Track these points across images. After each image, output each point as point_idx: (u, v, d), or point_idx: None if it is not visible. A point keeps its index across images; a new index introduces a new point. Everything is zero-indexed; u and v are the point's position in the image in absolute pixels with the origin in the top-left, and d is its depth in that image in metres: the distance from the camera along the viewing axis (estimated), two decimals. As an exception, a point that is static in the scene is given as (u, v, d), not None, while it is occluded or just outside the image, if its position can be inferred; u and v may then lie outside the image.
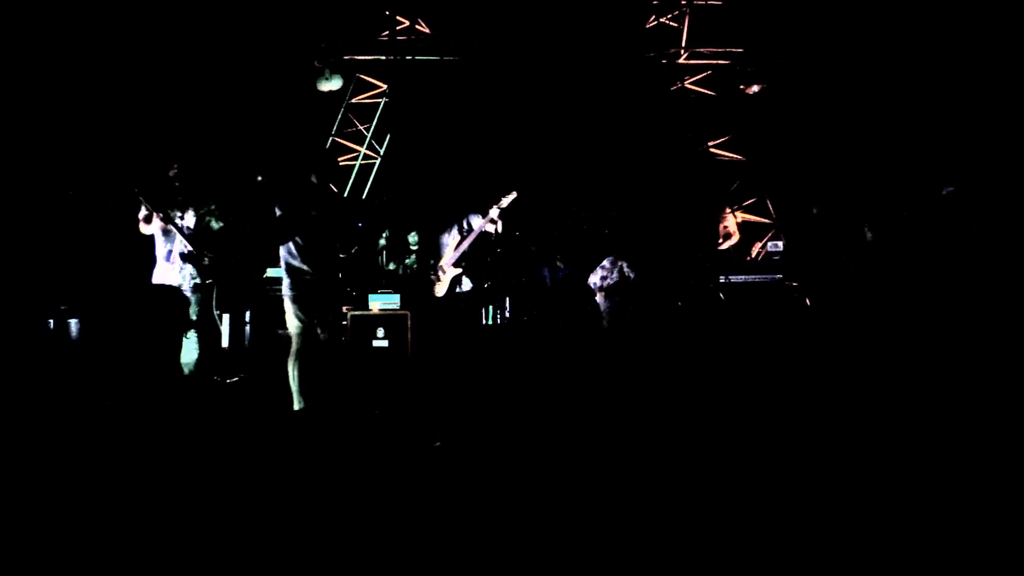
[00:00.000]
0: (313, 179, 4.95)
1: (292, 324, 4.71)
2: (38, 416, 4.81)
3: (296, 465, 3.71)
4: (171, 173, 5.49)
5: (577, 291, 8.42)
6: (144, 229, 5.37)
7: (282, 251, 4.82)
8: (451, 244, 6.67)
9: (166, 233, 5.51)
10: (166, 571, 2.44)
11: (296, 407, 4.65)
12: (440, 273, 6.70)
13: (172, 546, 2.62)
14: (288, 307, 4.72)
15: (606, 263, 8.51)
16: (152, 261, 5.54)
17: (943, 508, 2.90)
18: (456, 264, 6.61)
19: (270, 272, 8.03)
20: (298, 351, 4.66)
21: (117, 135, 8.51)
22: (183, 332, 5.41)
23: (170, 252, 5.49)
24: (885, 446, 3.85)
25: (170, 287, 5.45)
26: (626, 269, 8.28)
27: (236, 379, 6.42)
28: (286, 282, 4.77)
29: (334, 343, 4.82)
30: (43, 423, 4.63)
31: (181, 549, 2.59)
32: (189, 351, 5.44)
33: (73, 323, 6.83)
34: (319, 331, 4.71)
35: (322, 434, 4.42)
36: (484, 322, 7.90)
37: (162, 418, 4.82)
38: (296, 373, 4.64)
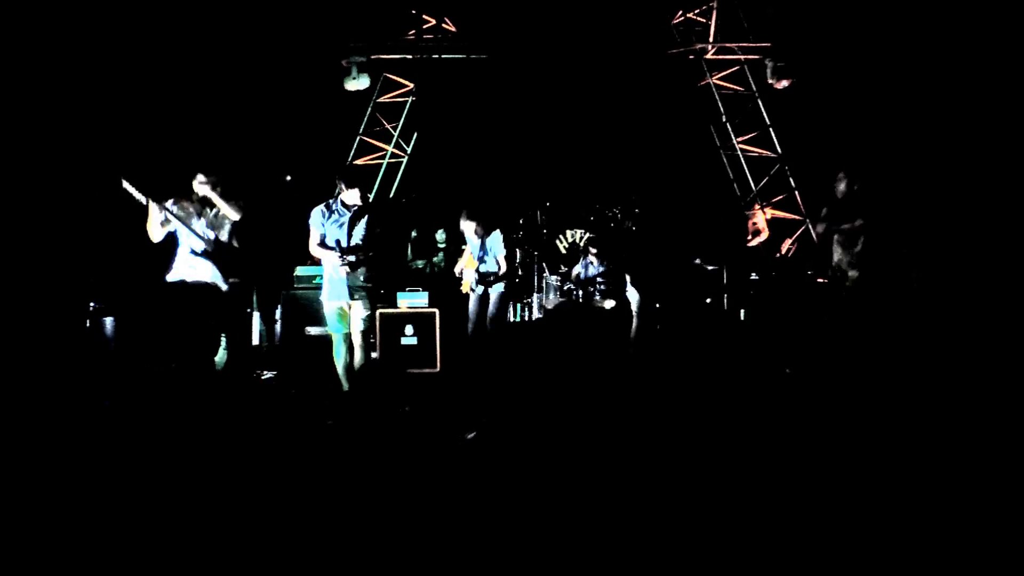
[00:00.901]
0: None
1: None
2: (72, 414, 4.89)
3: (326, 461, 3.74)
4: (202, 179, 5.42)
5: (612, 287, 8.38)
6: (158, 233, 5.27)
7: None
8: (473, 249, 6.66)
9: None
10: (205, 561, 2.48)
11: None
12: (464, 275, 6.70)
13: (209, 537, 2.65)
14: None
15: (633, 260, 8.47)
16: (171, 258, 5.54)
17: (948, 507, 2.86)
18: (481, 279, 6.55)
19: (299, 271, 8.10)
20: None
21: (143, 134, 8.64)
22: (220, 330, 5.50)
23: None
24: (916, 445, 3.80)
25: (203, 284, 5.49)
26: (654, 266, 8.23)
27: (268, 376, 6.50)
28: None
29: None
30: (76, 421, 4.72)
31: (218, 539, 2.63)
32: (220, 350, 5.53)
33: (108, 321, 6.94)
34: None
35: (353, 430, 4.45)
36: (512, 319, 7.90)
37: (194, 415, 4.89)
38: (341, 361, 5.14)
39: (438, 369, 6.89)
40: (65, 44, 7.70)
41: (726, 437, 4.14)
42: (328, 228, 5.07)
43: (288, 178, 11.08)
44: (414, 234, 9.51)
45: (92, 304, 6.80)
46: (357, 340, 5.11)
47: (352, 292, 5.05)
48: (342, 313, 5.12)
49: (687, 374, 6.49)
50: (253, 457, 3.84)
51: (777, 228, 10.09)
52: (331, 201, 5.14)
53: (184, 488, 3.29)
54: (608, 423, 4.57)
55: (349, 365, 5.19)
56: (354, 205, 5.08)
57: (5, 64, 6.89)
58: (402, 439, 4.23)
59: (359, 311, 5.10)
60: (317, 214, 5.10)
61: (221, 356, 5.69)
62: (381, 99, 11.22)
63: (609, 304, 8.12)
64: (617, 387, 5.86)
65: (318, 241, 5.10)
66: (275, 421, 4.85)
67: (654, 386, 5.91)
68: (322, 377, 5.78)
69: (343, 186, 5.10)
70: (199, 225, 5.32)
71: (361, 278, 5.07)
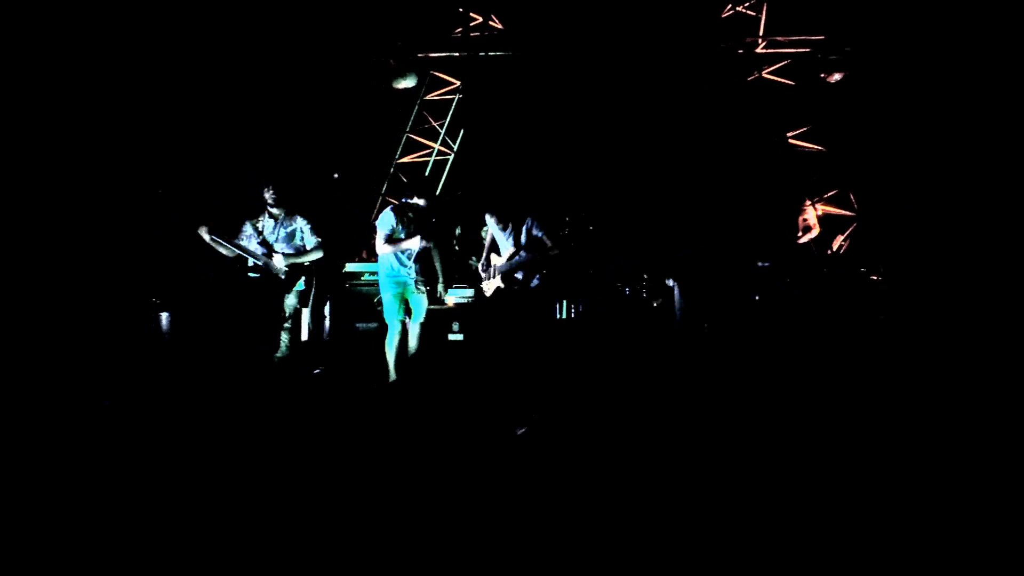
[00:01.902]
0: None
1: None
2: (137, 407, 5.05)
3: (376, 454, 3.80)
4: (268, 194, 5.79)
5: (654, 285, 8.31)
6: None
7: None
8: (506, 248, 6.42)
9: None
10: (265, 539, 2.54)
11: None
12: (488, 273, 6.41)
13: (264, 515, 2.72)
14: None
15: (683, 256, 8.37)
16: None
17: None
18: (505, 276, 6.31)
19: (349, 267, 8.22)
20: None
21: (192, 135, 8.86)
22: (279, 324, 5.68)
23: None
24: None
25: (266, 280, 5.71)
26: (703, 261, 8.13)
27: (317, 371, 6.61)
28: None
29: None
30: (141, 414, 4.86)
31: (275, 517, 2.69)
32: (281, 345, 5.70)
33: (164, 316, 7.14)
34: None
35: (400, 423, 4.51)
36: (559, 316, 7.89)
37: (245, 409, 5.00)
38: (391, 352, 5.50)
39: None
40: (124, 45, 7.93)
41: (753, 437, 4.09)
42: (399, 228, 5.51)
43: (336, 175, 11.25)
44: (459, 231, 9.58)
45: (150, 300, 7.01)
46: (416, 330, 5.47)
47: (417, 284, 5.50)
48: (403, 301, 5.50)
49: (724, 374, 6.40)
50: (283, 452, 3.91)
51: (828, 225, 9.91)
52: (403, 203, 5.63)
53: (226, 481, 3.38)
54: (644, 422, 4.55)
55: (401, 354, 5.40)
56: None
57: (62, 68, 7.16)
58: (454, 433, 4.27)
59: (423, 302, 5.57)
60: (389, 215, 5.53)
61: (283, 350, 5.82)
62: (428, 97, 11.29)
63: (656, 302, 8.06)
64: (652, 386, 5.82)
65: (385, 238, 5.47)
66: (317, 414, 4.93)
67: (687, 385, 5.85)
68: (370, 371, 5.87)
69: (414, 196, 5.59)
70: (251, 243, 5.63)
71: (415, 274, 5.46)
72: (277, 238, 5.85)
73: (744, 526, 2.70)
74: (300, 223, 5.94)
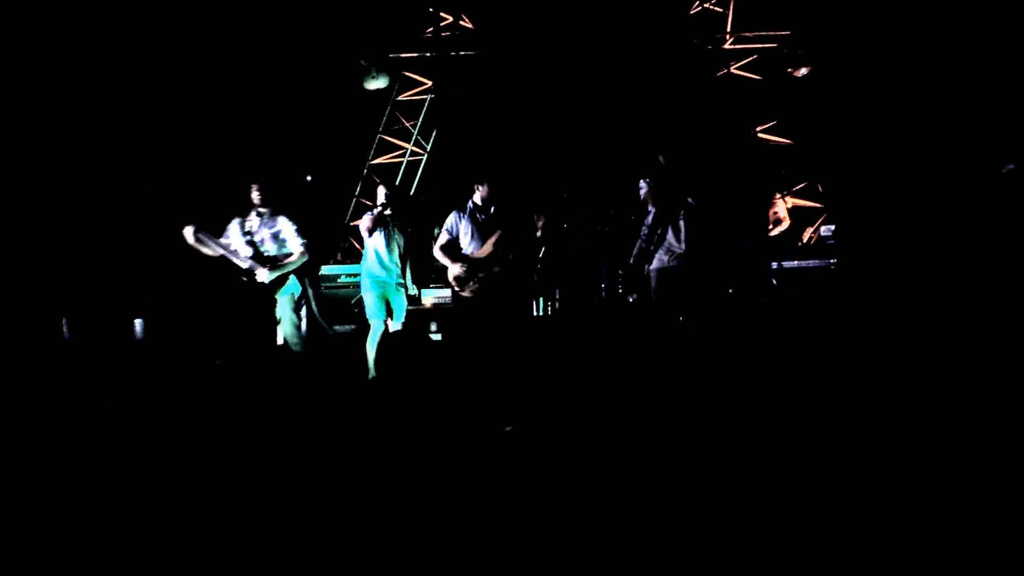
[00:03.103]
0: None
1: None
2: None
3: (360, 455, 3.83)
4: (255, 193, 5.78)
5: (629, 280, 8.37)
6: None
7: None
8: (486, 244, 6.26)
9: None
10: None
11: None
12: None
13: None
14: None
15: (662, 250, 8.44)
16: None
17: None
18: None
19: (324, 270, 8.22)
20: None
21: (165, 136, 8.82)
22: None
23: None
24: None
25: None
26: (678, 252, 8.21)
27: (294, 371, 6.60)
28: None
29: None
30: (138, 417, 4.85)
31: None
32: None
33: (138, 323, 7.09)
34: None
35: (386, 421, 4.54)
36: (536, 313, 7.95)
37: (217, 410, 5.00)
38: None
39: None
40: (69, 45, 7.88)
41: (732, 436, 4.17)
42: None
43: (309, 178, 11.21)
44: (437, 232, 9.60)
45: (126, 306, 6.96)
46: (398, 328, 5.57)
47: (397, 285, 5.78)
48: (385, 301, 5.75)
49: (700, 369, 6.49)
50: (270, 453, 3.93)
51: (798, 217, 10.07)
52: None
53: (215, 486, 3.39)
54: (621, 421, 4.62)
55: (381, 353, 5.50)
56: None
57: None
58: (438, 431, 4.30)
59: (404, 302, 5.83)
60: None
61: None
62: (400, 97, 11.30)
63: (631, 297, 8.12)
64: (630, 383, 5.89)
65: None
66: (301, 414, 4.95)
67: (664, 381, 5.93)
68: (351, 371, 5.90)
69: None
70: (236, 243, 5.61)
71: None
72: (263, 239, 5.81)
73: (726, 522, 2.77)
74: (284, 224, 5.89)
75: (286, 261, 5.72)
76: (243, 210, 5.87)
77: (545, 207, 7.10)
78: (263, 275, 5.58)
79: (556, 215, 7.84)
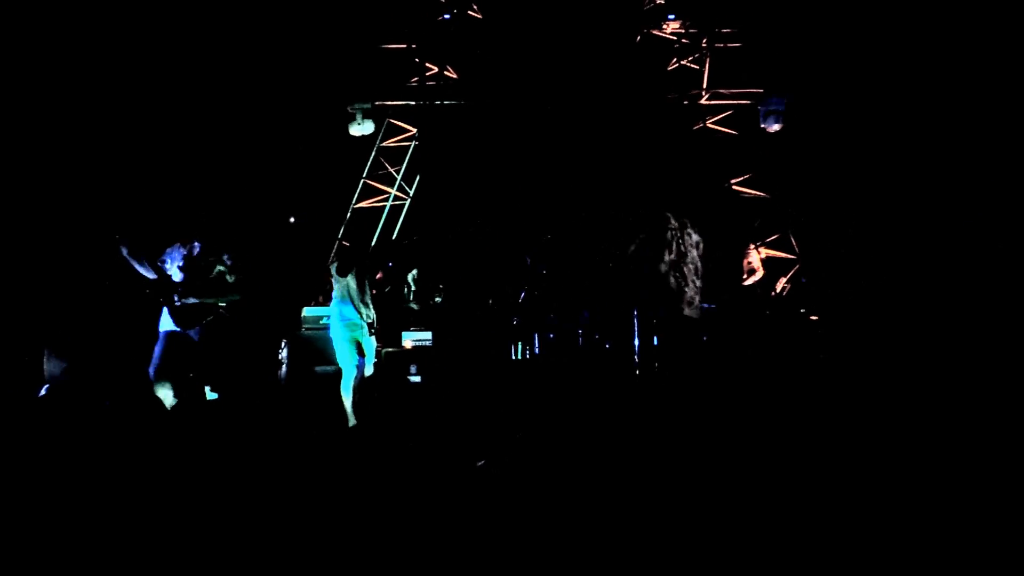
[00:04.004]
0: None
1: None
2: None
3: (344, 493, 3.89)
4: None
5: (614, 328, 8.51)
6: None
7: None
8: None
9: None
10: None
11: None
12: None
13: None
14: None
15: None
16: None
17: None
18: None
19: (306, 312, 8.30)
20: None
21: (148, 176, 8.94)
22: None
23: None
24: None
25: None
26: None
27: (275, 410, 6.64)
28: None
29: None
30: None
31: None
32: None
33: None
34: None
35: (362, 463, 4.60)
36: (514, 357, 8.07)
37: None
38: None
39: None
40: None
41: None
42: None
43: (292, 220, 11.36)
44: (414, 274, 9.74)
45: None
46: (370, 371, 5.54)
47: (368, 328, 5.66)
48: (356, 344, 5.60)
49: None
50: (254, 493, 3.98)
51: (771, 268, 10.33)
52: None
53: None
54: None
55: (358, 397, 5.49)
56: None
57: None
58: (416, 467, 4.38)
59: (374, 343, 5.73)
60: None
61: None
62: (385, 143, 11.53)
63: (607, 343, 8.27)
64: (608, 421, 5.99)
65: None
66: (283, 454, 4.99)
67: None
68: (333, 413, 5.95)
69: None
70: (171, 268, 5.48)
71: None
72: (195, 269, 5.74)
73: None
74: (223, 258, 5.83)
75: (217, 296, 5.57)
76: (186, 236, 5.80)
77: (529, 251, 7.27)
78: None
79: (538, 259, 8.01)
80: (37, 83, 8.16)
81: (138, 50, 9.30)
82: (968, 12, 9.27)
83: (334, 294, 5.87)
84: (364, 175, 11.47)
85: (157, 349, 5.15)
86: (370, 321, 5.66)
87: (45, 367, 6.25)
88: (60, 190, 8.04)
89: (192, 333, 5.26)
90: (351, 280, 5.71)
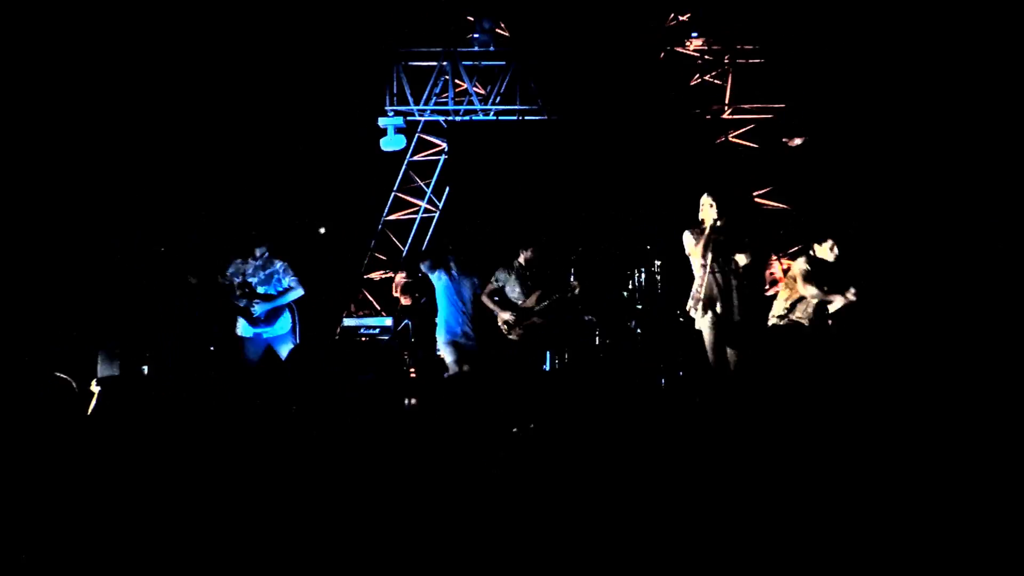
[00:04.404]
0: None
1: None
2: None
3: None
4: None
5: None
6: None
7: None
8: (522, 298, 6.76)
9: None
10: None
11: None
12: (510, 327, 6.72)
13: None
14: None
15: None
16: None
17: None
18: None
19: (347, 322, 8.62)
20: None
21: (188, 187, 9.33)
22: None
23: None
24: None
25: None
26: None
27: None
28: None
29: None
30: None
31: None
32: None
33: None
34: None
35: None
36: (544, 367, 8.29)
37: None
38: None
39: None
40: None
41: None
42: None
43: (322, 230, 11.71)
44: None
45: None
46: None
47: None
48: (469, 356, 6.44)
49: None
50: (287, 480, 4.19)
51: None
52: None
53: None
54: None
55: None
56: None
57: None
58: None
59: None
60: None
61: None
62: (415, 157, 11.86)
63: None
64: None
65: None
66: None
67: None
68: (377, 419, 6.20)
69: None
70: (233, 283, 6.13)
71: None
72: (258, 280, 6.31)
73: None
74: (278, 265, 6.44)
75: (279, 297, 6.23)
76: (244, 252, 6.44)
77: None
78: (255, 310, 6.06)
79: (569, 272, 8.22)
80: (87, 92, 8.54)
81: (180, 72, 9.71)
82: (990, 29, 9.44)
83: (438, 298, 6.56)
84: (395, 188, 11.81)
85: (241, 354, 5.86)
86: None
87: (99, 368, 6.61)
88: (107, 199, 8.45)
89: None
90: (460, 278, 6.50)
